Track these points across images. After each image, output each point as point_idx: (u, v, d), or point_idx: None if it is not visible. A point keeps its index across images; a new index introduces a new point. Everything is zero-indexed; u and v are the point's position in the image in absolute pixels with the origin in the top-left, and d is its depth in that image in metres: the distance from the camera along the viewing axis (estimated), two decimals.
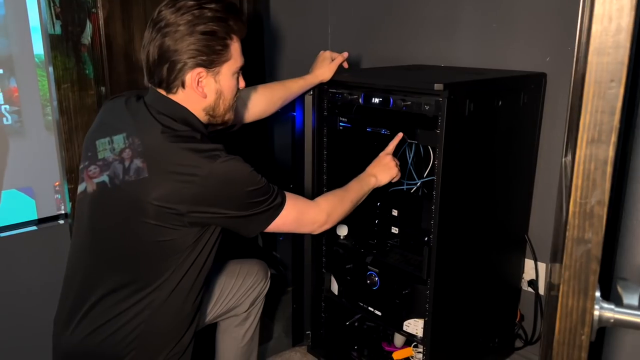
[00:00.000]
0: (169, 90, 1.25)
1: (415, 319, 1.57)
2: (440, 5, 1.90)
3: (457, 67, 1.84)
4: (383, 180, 1.54)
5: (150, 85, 1.28)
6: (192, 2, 1.20)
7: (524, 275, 1.83)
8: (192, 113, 1.27)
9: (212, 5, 1.22)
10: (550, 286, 1.00)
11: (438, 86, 1.35)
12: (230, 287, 1.59)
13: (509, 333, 1.85)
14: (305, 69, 1.67)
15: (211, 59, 1.23)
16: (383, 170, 1.55)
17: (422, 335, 1.56)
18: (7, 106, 1.68)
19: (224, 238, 1.32)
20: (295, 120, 1.72)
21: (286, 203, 1.29)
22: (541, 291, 1.79)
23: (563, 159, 1.11)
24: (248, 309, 1.63)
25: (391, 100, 1.49)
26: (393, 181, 1.59)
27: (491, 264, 1.70)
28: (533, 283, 1.80)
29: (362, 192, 1.51)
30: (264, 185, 1.24)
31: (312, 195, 1.73)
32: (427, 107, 1.41)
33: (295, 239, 1.90)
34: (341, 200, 1.45)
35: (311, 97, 1.68)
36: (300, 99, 1.69)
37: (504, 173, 1.62)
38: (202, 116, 1.29)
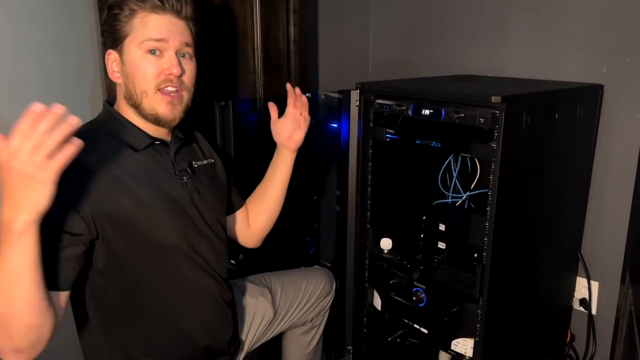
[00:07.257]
0: None
1: (465, 338, 1.52)
2: (488, 15, 1.85)
3: (507, 78, 1.79)
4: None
5: None
6: None
7: (575, 293, 1.76)
8: (115, 110, 1.19)
9: None
10: None
11: (495, 98, 1.30)
12: (297, 303, 1.58)
13: (559, 353, 1.78)
14: (345, 78, 1.60)
15: (113, 36, 1.13)
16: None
17: (471, 355, 1.51)
18: None
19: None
20: (341, 131, 1.68)
21: None
22: (594, 311, 1.72)
23: None
24: (313, 319, 1.64)
25: (443, 112, 1.44)
26: None
27: (542, 281, 1.64)
28: (585, 302, 1.73)
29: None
30: None
31: (356, 209, 1.70)
32: (481, 120, 1.35)
33: (337, 252, 1.86)
34: None
35: (357, 107, 1.64)
36: (345, 109, 1.66)
37: (558, 188, 1.56)
38: (126, 107, 1.18)
